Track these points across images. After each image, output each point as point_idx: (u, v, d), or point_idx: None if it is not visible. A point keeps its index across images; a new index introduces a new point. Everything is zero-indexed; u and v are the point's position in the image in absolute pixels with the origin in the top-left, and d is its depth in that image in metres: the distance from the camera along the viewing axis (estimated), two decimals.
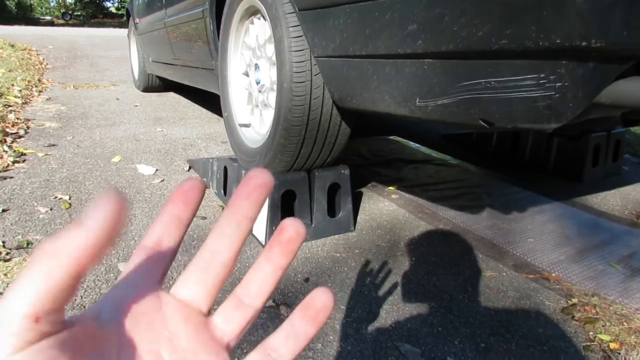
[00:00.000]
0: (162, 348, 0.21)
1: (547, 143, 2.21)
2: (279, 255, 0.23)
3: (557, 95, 0.67)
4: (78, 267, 0.17)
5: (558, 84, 0.67)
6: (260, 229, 1.40)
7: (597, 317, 1.09)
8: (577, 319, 1.09)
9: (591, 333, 1.04)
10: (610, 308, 1.13)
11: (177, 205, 0.23)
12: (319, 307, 0.23)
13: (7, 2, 26.32)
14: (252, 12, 1.49)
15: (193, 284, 0.23)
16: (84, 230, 0.17)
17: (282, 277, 0.24)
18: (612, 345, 1.00)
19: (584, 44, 0.60)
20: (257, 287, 0.23)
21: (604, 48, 0.60)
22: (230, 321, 0.23)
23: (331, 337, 0.98)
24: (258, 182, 0.23)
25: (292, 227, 0.23)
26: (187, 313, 0.22)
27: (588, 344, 1.01)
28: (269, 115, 1.44)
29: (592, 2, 0.59)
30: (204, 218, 1.54)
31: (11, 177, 1.80)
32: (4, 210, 1.50)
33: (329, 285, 1.18)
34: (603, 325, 1.06)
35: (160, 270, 0.23)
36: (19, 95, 3.40)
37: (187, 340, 0.22)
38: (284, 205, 1.37)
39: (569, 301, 1.16)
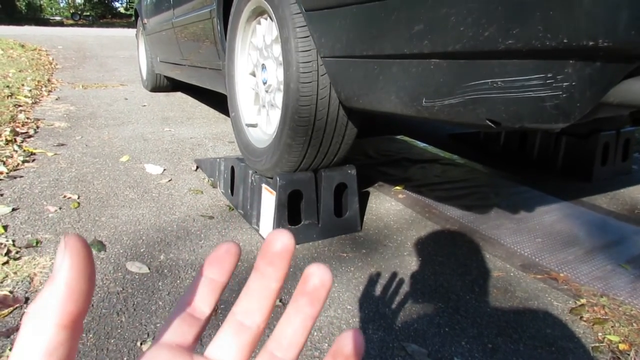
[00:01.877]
0: None
1: (555, 142, 2.19)
2: (307, 306, 0.23)
3: (564, 95, 0.67)
4: (65, 318, 0.17)
5: (565, 84, 0.66)
6: (267, 230, 1.41)
7: (606, 317, 1.08)
8: (586, 320, 1.08)
9: (600, 334, 1.03)
10: (620, 309, 1.12)
11: (212, 270, 0.24)
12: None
13: (18, 3, 26.58)
14: (259, 12, 1.50)
15: (225, 345, 0.23)
16: (55, 284, 0.17)
17: (314, 325, 0.23)
18: (622, 346, 0.99)
19: (591, 43, 0.60)
20: (288, 339, 0.23)
21: (612, 47, 0.59)
22: None
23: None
24: (279, 247, 0.22)
25: (315, 276, 0.22)
26: None
27: (597, 345, 1.00)
28: (275, 115, 1.44)
29: (599, 1, 0.58)
30: (211, 217, 1.55)
31: (21, 177, 1.82)
32: (14, 209, 1.52)
33: (336, 285, 1.18)
34: (612, 326, 1.06)
35: (193, 333, 0.23)
36: (29, 95, 3.44)
37: None
38: (290, 205, 1.37)
39: (577, 302, 1.15)
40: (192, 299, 0.24)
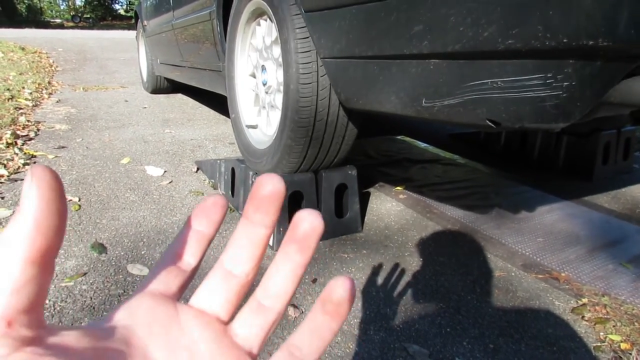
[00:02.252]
0: (180, 357, 0.20)
1: (556, 141, 2.19)
2: (297, 253, 0.21)
3: (564, 95, 0.67)
4: (34, 252, 0.15)
5: (565, 84, 0.66)
6: None
7: (608, 317, 1.08)
8: (588, 319, 1.08)
9: (602, 333, 1.03)
10: (621, 308, 1.12)
11: (199, 221, 0.23)
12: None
13: (18, 6, 26.64)
14: (259, 13, 1.50)
15: (211, 293, 0.22)
16: (21, 217, 0.16)
17: (304, 274, 0.22)
18: (623, 346, 0.99)
19: (591, 43, 0.60)
20: (277, 288, 0.22)
21: (612, 47, 0.59)
22: (251, 326, 0.22)
23: (339, 338, 0.98)
24: (268, 191, 0.21)
25: (306, 221, 0.21)
26: (205, 321, 0.22)
27: (598, 344, 1.00)
28: (276, 116, 1.44)
29: (599, 0, 0.58)
30: None
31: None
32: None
33: None
34: (614, 326, 1.05)
35: (178, 283, 0.22)
36: (30, 97, 3.44)
37: (206, 348, 0.21)
38: (291, 206, 1.37)
39: (579, 301, 1.15)
40: (178, 251, 0.23)
